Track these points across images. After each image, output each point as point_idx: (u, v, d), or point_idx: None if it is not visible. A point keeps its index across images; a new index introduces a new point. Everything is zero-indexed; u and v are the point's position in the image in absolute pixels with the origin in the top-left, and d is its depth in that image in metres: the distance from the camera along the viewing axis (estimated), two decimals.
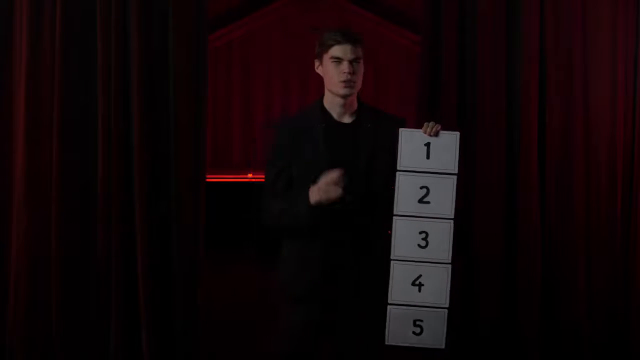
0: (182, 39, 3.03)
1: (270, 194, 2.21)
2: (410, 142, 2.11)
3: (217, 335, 3.50)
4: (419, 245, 2.12)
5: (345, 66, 2.13)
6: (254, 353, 3.53)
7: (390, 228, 2.13)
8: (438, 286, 2.12)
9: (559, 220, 3.24)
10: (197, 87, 3.07)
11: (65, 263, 3.02)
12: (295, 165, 2.18)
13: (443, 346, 2.13)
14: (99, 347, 3.04)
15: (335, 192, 2.04)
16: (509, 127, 3.22)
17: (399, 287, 2.13)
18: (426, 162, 2.11)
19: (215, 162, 7.16)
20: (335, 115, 2.22)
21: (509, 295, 3.23)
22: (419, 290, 2.13)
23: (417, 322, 2.13)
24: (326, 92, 2.23)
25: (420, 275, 2.13)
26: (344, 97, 2.18)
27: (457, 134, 2.12)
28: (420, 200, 2.11)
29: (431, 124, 2.11)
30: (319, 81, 2.26)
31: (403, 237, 2.12)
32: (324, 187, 2.05)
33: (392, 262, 2.13)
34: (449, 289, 2.13)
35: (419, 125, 2.14)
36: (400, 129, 2.12)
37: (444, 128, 2.13)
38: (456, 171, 2.11)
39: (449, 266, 2.13)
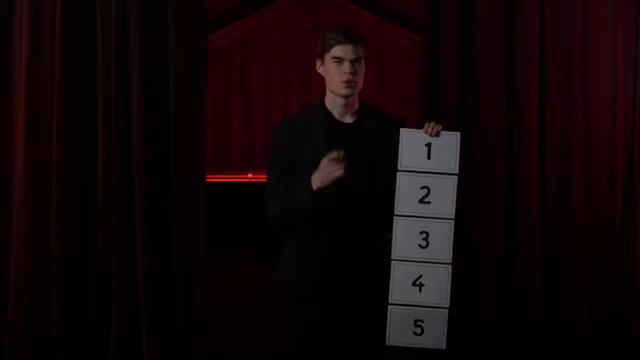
0: (182, 39, 3.03)
1: (272, 195, 2.20)
2: (411, 142, 2.11)
3: (217, 335, 3.50)
4: (419, 246, 2.12)
5: (346, 66, 2.13)
6: (254, 353, 3.53)
7: (391, 229, 2.13)
8: (439, 286, 2.12)
9: (559, 220, 3.25)
10: (197, 87, 3.07)
11: (65, 263, 3.02)
12: (297, 165, 2.17)
13: (444, 347, 2.13)
14: (99, 347, 3.04)
15: (337, 170, 2.03)
16: (509, 127, 3.22)
17: (399, 287, 2.13)
18: (427, 163, 2.10)
19: (215, 162, 7.16)
20: (336, 115, 2.22)
21: (509, 295, 3.23)
22: (420, 291, 2.13)
23: (418, 323, 2.13)
24: (327, 92, 2.23)
25: (420, 276, 2.13)
26: (346, 97, 2.18)
27: (458, 134, 2.12)
28: (421, 201, 2.11)
29: (432, 124, 2.11)
30: (320, 81, 2.26)
31: (404, 237, 2.12)
32: (326, 168, 2.04)
33: (392, 262, 2.13)
34: (449, 289, 2.13)
35: (419, 126, 2.14)
36: (401, 129, 2.12)
37: (444, 128, 2.13)
38: (457, 171, 2.11)
39: (450, 266, 2.12)
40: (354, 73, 2.14)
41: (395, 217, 2.12)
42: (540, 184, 3.22)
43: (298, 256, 2.24)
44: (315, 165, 2.09)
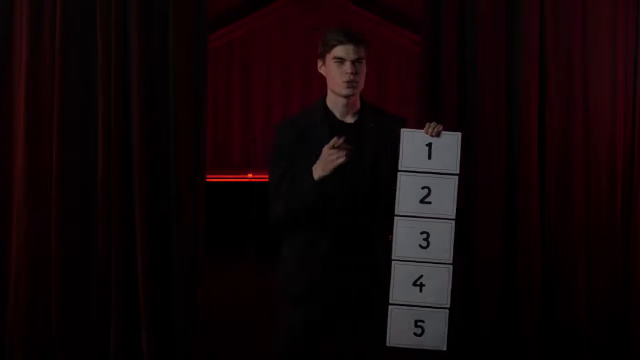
0: (182, 39, 3.03)
1: (274, 195, 2.20)
2: (412, 142, 2.10)
3: (217, 335, 3.51)
4: (420, 246, 2.12)
5: (347, 66, 2.13)
6: (254, 353, 3.54)
7: (392, 229, 2.13)
8: (439, 286, 2.12)
9: (559, 220, 3.24)
10: (197, 87, 3.07)
11: (65, 263, 3.02)
12: (298, 165, 2.17)
13: (444, 348, 2.13)
14: (99, 347, 3.04)
15: (339, 157, 2.02)
16: (509, 127, 3.22)
17: (400, 287, 2.13)
18: (428, 163, 2.10)
19: (215, 162, 7.16)
20: (338, 115, 2.22)
21: (509, 295, 3.23)
22: (420, 291, 2.12)
23: (419, 323, 2.13)
24: (329, 92, 2.23)
25: (421, 276, 2.12)
26: (347, 97, 2.18)
27: (459, 134, 2.11)
28: (422, 201, 2.11)
29: (433, 124, 2.11)
30: (320, 81, 2.26)
31: (404, 237, 2.12)
32: (327, 156, 2.03)
33: (393, 262, 2.13)
34: (450, 289, 2.13)
35: (419, 125, 2.14)
36: (402, 129, 2.12)
37: (445, 128, 2.12)
38: (458, 172, 2.11)
39: (450, 266, 2.12)
40: (355, 73, 2.14)
41: (395, 217, 2.11)
42: (540, 184, 3.22)
43: (298, 256, 2.24)
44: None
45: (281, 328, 2.29)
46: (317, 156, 2.08)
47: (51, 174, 3.00)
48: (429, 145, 2.10)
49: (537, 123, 3.21)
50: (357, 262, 2.18)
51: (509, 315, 3.22)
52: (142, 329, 3.02)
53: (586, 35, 3.26)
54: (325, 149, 2.04)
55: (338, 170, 2.05)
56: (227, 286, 4.78)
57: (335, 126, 2.19)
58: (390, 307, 2.13)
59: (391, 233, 2.12)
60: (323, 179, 2.06)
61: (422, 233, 2.12)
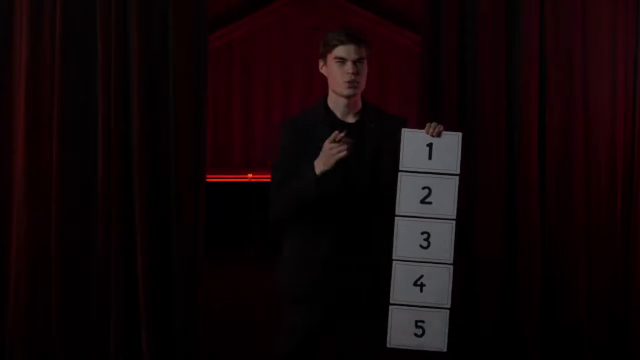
0: (182, 39, 3.03)
1: (276, 195, 2.20)
2: (413, 142, 2.10)
3: (217, 335, 3.51)
4: (420, 246, 2.12)
5: (349, 67, 2.13)
6: (254, 353, 3.54)
7: (392, 229, 2.13)
8: (440, 286, 2.12)
9: (559, 220, 3.25)
10: (197, 87, 3.07)
11: (65, 263, 3.02)
12: (300, 166, 2.17)
13: (445, 349, 2.13)
14: (99, 347, 3.04)
15: (341, 151, 2.03)
16: (509, 127, 3.22)
17: (400, 287, 2.12)
18: (428, 163, 2.10)
19: (215, 162, 7.16)
20: (339, 114, 2.22)
21: (509, 295, 3.23)
22: (421, 291, 2.12)
23: (419, 324, 2.13)
24: (330, 92, 2.23)
25: (422, 276, 2.12)
26: (348, 97, 2.18)
27: (460, 134, 2.11)
28: (422, 201, 2.10)
29: (433, 124, 2.11)
30: (320, 81, 2.26)
31: (405, 237, 2.11)
32: (329, 150, 2.03)
33: (394, 262, 2.13)
34: (450, 289, 2.12)
35: (420, 126, 2.14)
36: (403, 129, 2.12)
37: (445, 128, 2.12)
38: (458, 172, 2.10)
39: (451, 267, 2.12)
40: (356, 73, 2.14)
41: (396, 218, 2.11)
42: (540, 184, 3.22)
43: (298, 256, 2.24)
44: None
45: (282, 328, 2.29)
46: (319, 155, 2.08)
47: (51, 174, 3.00)
48: (430, 145, 2.10)
49: (537, 123, 3.22)
50: (358, 262, 2.17)
51: (509, 315, 3.22)
52: (142, 329, 3.02)
53: (586, 35, 3.26)
54: (327, 143, 2.04)
55: (339, 165, 2.05)
56: (227, 286, 4.78)
57: (336, 126, 2.18)
58: (390, 307, 2.13)
59: (392, 233, 2.12)
60: (325, 174, 2.06)
61: (422, 233, 2.12)
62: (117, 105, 2.98)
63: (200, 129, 3.09)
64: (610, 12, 3.27)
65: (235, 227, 6.03)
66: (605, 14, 3.27)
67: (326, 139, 2.08)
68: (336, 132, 2.03)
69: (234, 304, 4.52)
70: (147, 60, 3.00)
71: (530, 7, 3.19)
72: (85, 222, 3.04)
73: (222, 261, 5.45)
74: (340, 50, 2.14)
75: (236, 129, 7.80)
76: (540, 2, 3.21)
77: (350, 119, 2.22)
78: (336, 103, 2.22)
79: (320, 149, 2.07)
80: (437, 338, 2.13)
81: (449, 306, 2.13)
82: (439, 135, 2.10)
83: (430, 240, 2.11)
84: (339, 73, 2.15)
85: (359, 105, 2.24)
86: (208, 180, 3.41)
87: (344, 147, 2.02)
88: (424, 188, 2.10)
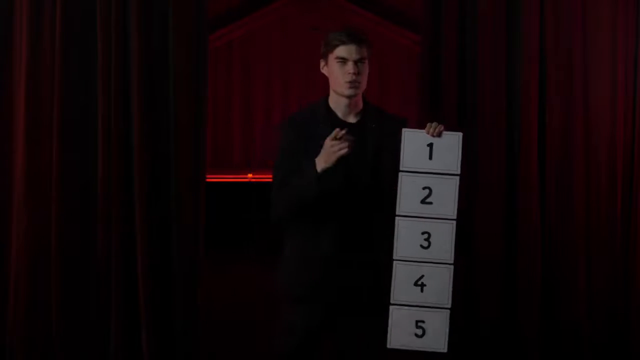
0: (182, 39, 3.03)
1: (277, 195, 2.20)
2: (413, 142, 2.10)
3: (217, 335, 3.50)
4: (421, 246, 2.12)
5: (350, 67, 2.14)
6: (254, 353, 3.53)
7: (393, 229, 2.13)
8: (440, 286, 2.12)
9: (559, 220, 3.25)
10: (197, 87, 3.07)
11: (65, 263, 3.02)
12: (301, 165, 2.17)
13: (445, 350, 2.13)
14: (99, 347, 3.04)
15: (342, 149, 2.03)
16: (509, 127, 3.22)
17: (401, 287, 2.12)
18: (429, 163, 2.10)
19: (215, 162, 7.16)
20: (340, 114, 2.22)
21: (509, 295, 3.23)
22: (422, 291, 2.12)
23: (419, 324, 2.13)
24: (331, 92, 2.23)
25: (422, 276, 2.12)
26: (349, 97, 2.18)
27: (460, 134, 2.11)
28: (423, 201, 2.10)
29: (434, 124, 2.11)
30: (320, 81, 2.26)
31: (405, 237, 2.11)
32: (329, 147, 2.03)
33: (394, 262, 2.13)
34: (451, 289, 2.12)
35: (420, 126, 2.14)
36: (403, 129, 2.12)
37: (445, 128, 2.12)
38: (459, 172, 2.10)
39: (451, 267, 2.12)
40: (357, 73, 2.14)
41: (397, 218, 2.11)
42: (540, 184, 3.22)
43: (299, 256, 2.24)
44: None
45: (282, 328, 2.29)
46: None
47: (51, 174, 3.00)
48: (430, 145, 2.10)
49: (537, 123, 3.22)
50: (359, 260, 2.17)
51: (509, 315, 3.22)
52: (142, 329, 3.02)
53: (586, 35, 3.26)
54: (328, 141, 2.04)
55: (340, 162, 2.05)
56: (227, 286, 4.77)
57: (337, 126, 2.17)
58: (391, 307, 2.13)
59: (392, 232, 2.12)
60: (326, 171, 2.06)
61: (423, 233, 2.12)
62: (117, 105, 2.98)
63: (200, 129, 3.09)
64: (610, 12, 3.28)
65: (235, 227, 6.03)
66: (605, 14, 3.27)
67: (327, 137, 2.08)
68: (337, 129, 2.04)
69: (234, 304, 4.51)
70: (147, 60, 3.00)
71: (530, 7, 3.19)
72: (85, 222, 3.04)
73: (222, 261, 5.44)
74: (341, 50, 2.14)
75: (236, 129, 7.81)
76: (540, 2, 3.21)
77: (352, 119, 2.22)
78: (337, 103, 2.22)
79: (321, 147, 2.07)
80: (437, 338, 2.13)
81: (449, 306, 2.13)
82: (439, 135, 2.10)
83: (430, 240, 2.11)
84: (340, 73, 2.15)
85: (360, 105, 2.24)
86: (208, 180, 3.40)
87: (345, 144, 2.03)
88: (424, 188, 2.10)
